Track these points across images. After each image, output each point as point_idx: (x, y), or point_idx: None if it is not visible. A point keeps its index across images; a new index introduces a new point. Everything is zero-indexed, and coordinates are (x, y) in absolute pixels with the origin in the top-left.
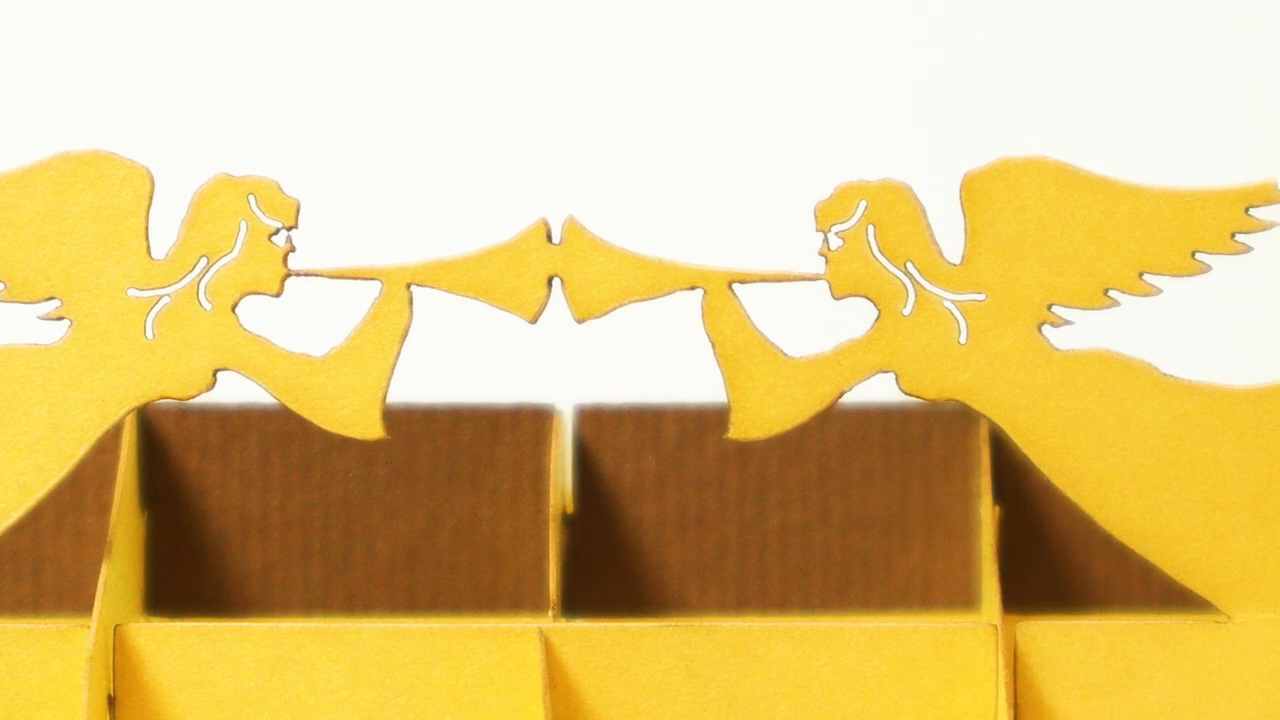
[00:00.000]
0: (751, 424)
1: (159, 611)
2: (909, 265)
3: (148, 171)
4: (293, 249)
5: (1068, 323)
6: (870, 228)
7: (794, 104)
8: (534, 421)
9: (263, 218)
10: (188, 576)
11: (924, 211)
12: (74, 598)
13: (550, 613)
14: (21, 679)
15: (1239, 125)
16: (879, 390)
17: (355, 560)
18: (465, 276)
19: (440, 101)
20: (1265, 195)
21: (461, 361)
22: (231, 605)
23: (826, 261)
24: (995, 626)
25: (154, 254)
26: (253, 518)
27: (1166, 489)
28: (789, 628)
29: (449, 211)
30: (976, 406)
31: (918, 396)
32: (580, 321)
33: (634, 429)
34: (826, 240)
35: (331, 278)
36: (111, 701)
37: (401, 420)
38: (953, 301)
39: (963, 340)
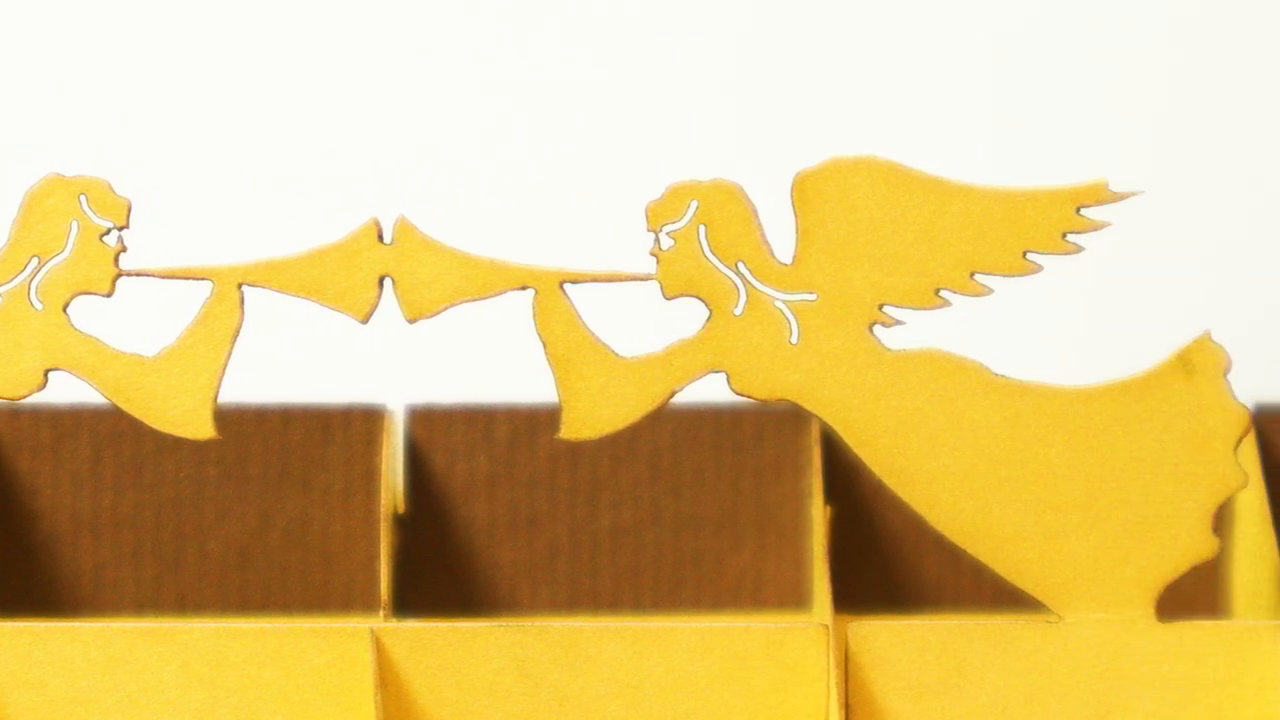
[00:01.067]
0: (583, 424)
1: None
2: (740, 265)
3: None
4: (124, 249)
5: (899, 323)
6: (701, 228)
7: (624, 103)
8: (365, 421)
9: (94, 218)
10: (19, 576)
11: (755, 211)
12: None
13: (381, 613)
14: None
15: (1069, 124)
16: (710, 390)
17: (186, 560)
18: (296, 276)
19: (271, 100)
20: (1096, 195)
21: (293, 361)
22: (63, 605)
23: (658, 261)
24: (826, 626)
25: None
26: (84, 518)
27: (997, 489)
28: (620, 628)
29: (280, 211)
30: (808, 406)
31: (749, 396)
32: (411, 321)
33: (465, 429)
34: (658, 240)
35: (163, 278)
36: None
37: (233, 420)
38: (784, 301)
39: (794, 340)
